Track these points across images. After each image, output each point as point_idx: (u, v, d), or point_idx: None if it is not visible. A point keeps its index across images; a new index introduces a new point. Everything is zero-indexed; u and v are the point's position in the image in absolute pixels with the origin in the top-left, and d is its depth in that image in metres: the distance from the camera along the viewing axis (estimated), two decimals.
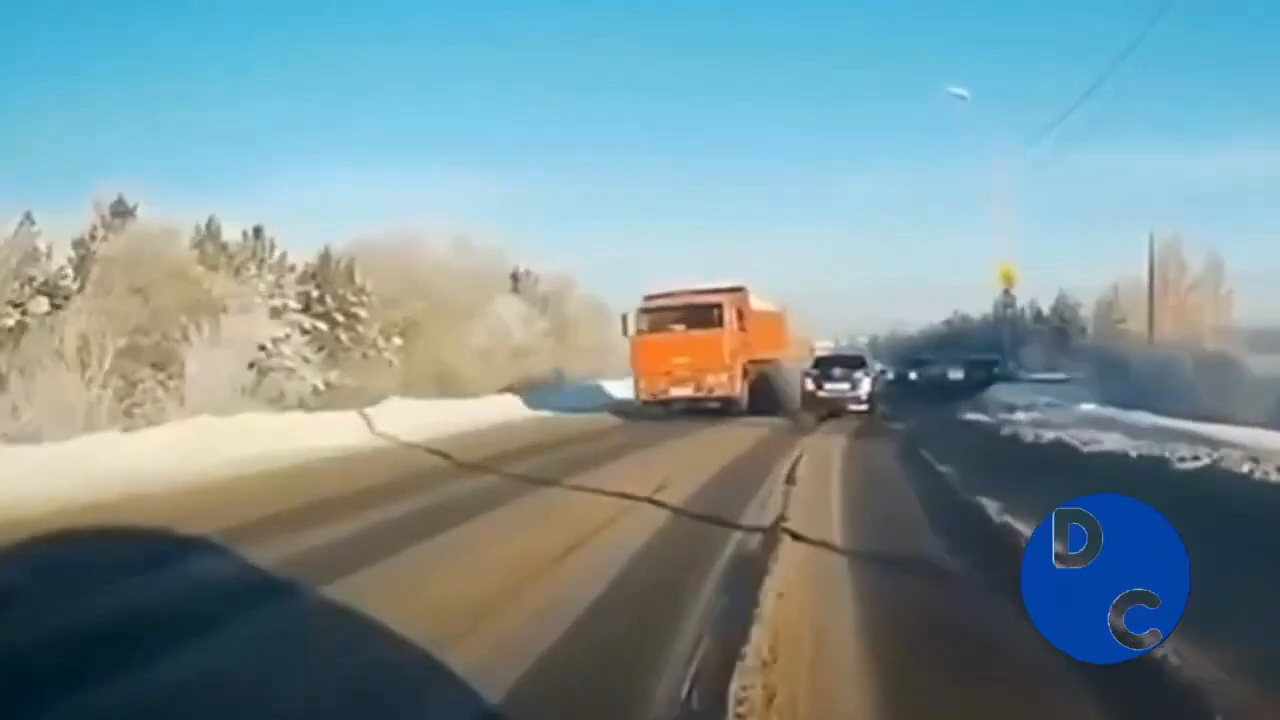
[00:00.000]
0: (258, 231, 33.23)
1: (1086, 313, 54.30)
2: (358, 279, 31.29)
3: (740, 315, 22.78)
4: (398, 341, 30.29)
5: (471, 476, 11.81)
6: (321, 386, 27.78)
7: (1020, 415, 16.08)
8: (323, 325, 28.76)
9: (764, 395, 23.05)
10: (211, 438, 14.63)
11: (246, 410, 18.99)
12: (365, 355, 30.30)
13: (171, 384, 21.15)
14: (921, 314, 70.72)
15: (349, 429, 17.60)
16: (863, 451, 13.85)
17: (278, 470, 12.76)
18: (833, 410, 20.48)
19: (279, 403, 24.71)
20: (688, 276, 25.49)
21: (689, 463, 12.55)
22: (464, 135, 69.58)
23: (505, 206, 69.93)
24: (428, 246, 33.51)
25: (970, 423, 17.17)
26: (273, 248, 32.98)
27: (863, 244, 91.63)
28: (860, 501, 9.31)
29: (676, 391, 22.10)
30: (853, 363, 21.79)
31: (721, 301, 22.42)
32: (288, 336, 27.71)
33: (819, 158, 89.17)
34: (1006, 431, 13.72)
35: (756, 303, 24.40)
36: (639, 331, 22.74)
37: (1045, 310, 59.23)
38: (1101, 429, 11.62)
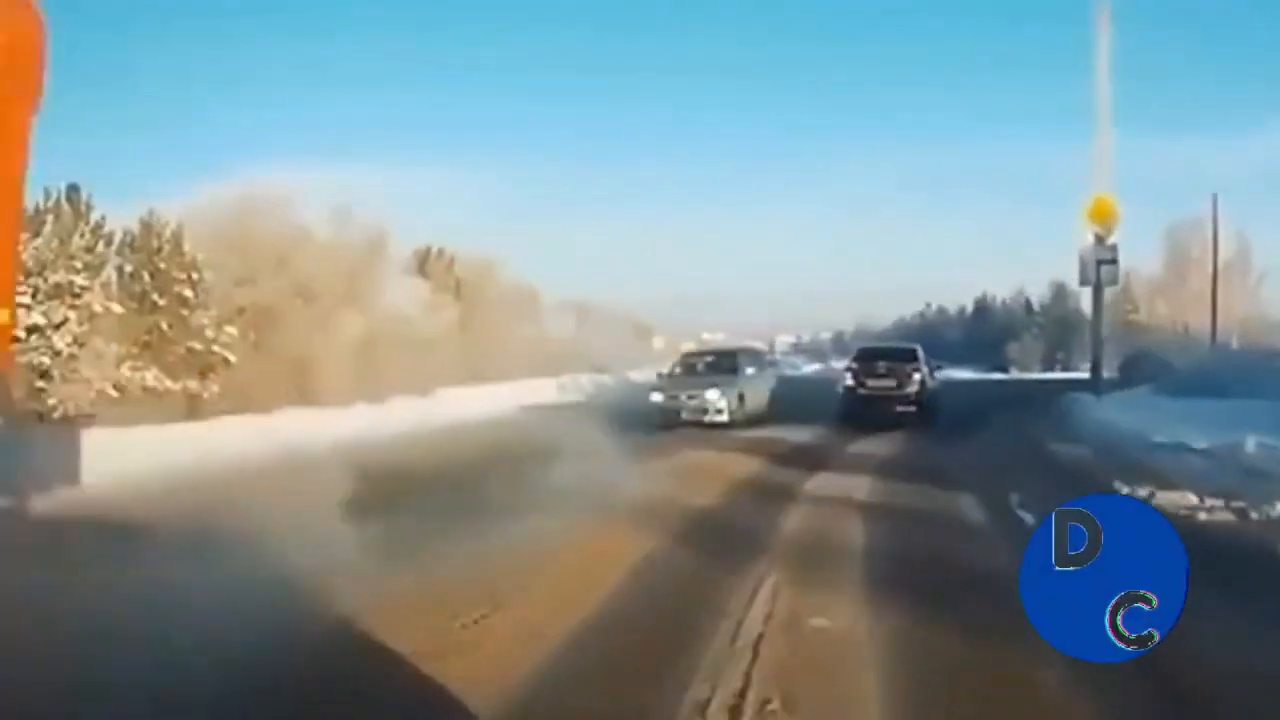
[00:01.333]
0: (73, 190, 26.03)
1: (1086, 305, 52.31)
2: (188, 250, 24.03)
3: None
4: (232, 330, 23.02)
5: None
6: (113, 391, 20.66)
7: None
8: (118, 308, 21.56)
9: None
10: None
11: None
12: (190, 349, 23.10)
13: None
14: (891, 308, 66.49)
15: None
16: None
17: None
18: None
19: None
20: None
21: None
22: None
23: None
24: (294, 214, 25.76)
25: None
26: (89, 210, 25.82)
27: (832, 237, 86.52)
28: None
29: None
30: (901, 355, 19.71)
31: None
32: (63, 323, 20.47)
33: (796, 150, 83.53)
34: None
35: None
36: None
37: (1035, 301, 59.77)
38: None
